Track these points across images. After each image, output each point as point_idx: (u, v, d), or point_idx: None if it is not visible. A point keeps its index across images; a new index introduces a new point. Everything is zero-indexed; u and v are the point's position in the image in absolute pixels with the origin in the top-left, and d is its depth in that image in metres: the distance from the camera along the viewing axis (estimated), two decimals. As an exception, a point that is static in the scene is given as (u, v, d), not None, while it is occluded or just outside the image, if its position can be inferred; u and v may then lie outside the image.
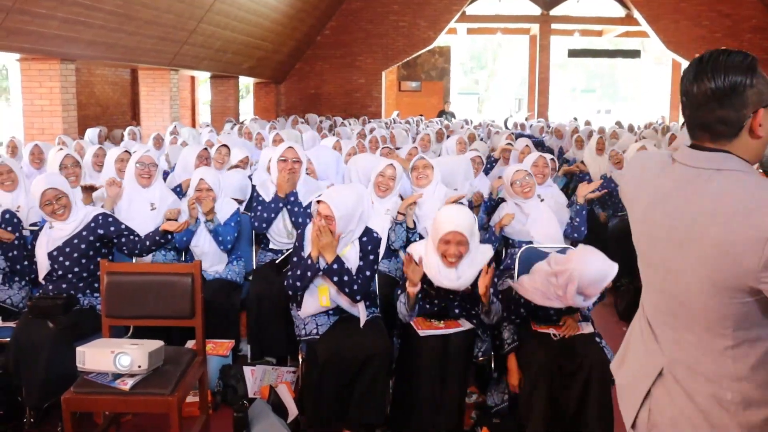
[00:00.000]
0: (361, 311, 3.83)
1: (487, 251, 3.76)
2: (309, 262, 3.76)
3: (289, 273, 3.89)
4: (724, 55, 1.70)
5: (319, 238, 3.68)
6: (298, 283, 3.79)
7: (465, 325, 3.83)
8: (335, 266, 3.71)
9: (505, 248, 5.00)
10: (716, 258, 1.65)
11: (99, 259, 4.01)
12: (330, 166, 6.16)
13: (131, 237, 4.20)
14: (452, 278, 3.62)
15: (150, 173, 4.98)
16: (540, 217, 4.85)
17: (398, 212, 4.73)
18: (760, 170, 2.24)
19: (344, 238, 3.80)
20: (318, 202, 3.82)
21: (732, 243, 1.62)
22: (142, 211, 4.91)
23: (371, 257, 3.88)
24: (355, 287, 3.74)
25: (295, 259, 3.93)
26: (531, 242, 4.59)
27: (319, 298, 3.84)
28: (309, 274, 3.76)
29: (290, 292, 3.88)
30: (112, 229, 4.15)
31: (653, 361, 1.88)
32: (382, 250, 4.15)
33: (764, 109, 1.71)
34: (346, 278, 3.73)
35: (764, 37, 18.55)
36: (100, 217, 4.17)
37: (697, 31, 18.66)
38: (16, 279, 4.30)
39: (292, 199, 4.91)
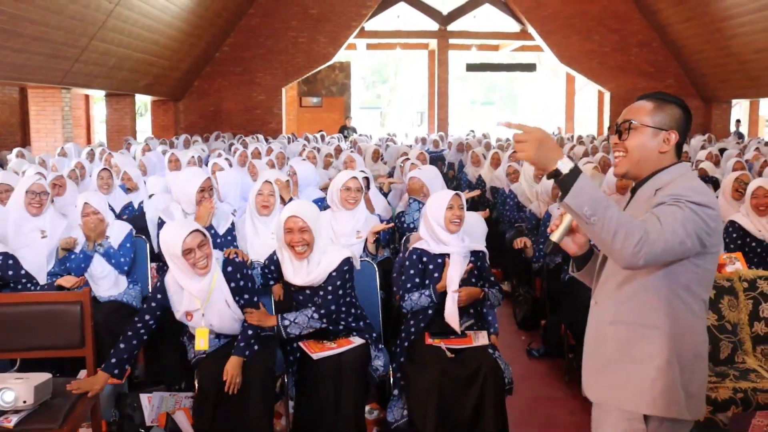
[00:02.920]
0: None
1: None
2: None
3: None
4: None
5: None
6: None
7: (356, 341, 3.87)
8: None
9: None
10: None
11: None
12: (233, 188, 5.95)
13: (28, 285, 4.02)
14: None
15: (41, 202, 4.76)
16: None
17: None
18: None
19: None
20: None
21: None
22: (33, 239, 4.67)
23: (242, 282, 3.86)
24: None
25: (145, 306, 3.85)
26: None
27: (196, 342, 3.74)
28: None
29: None
30: (10, 273, 3.97)
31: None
32: None
33: None
34: None
35: (649, 51, 19.47)
36: None
37: (587, 45, 19.40)
38: None
39: (212, 232, 4.79)
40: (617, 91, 19.60)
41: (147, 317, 3.71)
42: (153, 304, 3.73)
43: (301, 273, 3.83)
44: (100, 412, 3.65)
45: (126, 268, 4.72)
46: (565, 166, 2.05)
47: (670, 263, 2.16)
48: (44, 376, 3.19)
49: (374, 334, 4.01)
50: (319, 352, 3.75)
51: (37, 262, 4.47)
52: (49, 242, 4.71)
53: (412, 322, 3.97)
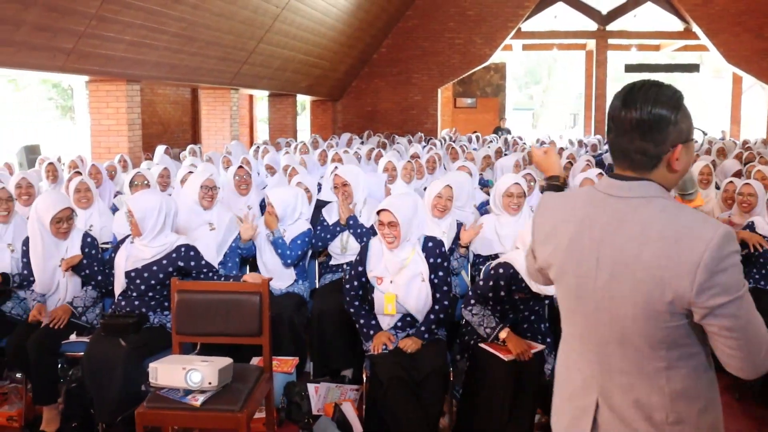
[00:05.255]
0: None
1: None
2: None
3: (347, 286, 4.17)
4: (656, 88, 1.73)
5: None
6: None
7: (537, 346, 3.84)
8: None
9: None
10: (649, 283, 1.68)
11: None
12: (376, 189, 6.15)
13: (210, 274, 4.23)
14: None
15: (213, 196, 5.06)
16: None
17: (461, 246, 4.75)
18: (676, 193, 2.07)
19: (406, 242, 4.01)
20: (379, 212, 4.03)
21: (664, 267, 1.65)
22: (203, 231, 4.94)
23: (439, 260, 4.05)
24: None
25: (352, 272, 4.19)
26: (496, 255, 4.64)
27: (385, 306, 4.00)
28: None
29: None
30: (192, 263, 4.18)
31: (587, 395, 1.87)
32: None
33: (682, 145, 1.74)
34: None
35: (829, 49, 18.12)
36: (182, 249, 4.18)
37: (758, 43, 18.28)
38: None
39: (351, 222, 5.09)
40: (791, 93, 18.40)
41: (355, 283, 4.14)
42: (359, 269, 4.13)
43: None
44: (273, 398, 3.84)
45: (289, 261, 4.89)
46: None
47: None
48: (226, 361, 3.38)
49: (548, 339, 3.99)
50: (509, 354, 3.71)
51: (209, 255, 4.65)
52: (217, 234, 4.97)
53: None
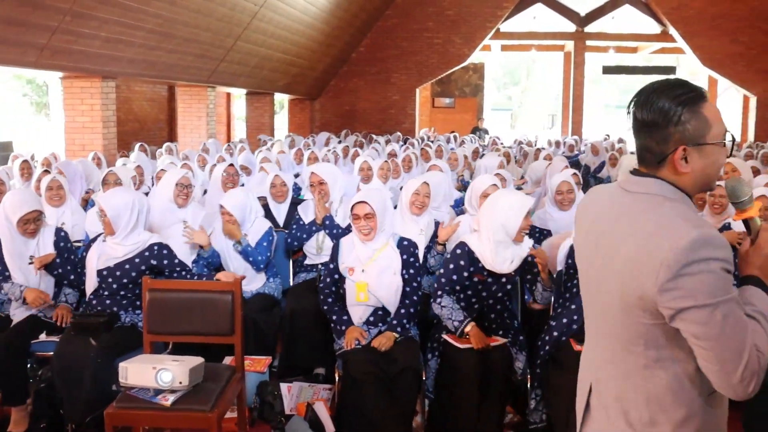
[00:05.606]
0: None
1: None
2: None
3: (321, 285, 4.19)
4: (664, 87, 1.71)
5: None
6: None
7: (498, 340, 3.87)
8: None
9: None
10: (625, 276, 1.69)
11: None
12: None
13: (183, 273, 4.20)
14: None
15: (188, 194, 5.03)
16: None
17: (438, 243, 4.71)
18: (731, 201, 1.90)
19: (381, 233, 4.09)
20: (354, 206, 4.09)
21: (637, 262, 1.65)
22: (177, 229, 4.87)
23: (411, 259, 4.11)
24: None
25: (326, 270, 4.24)
26: None
27: (357, 294, 4.04)
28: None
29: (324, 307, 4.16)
30: (165, 262, 4.15)
31: (586, 377, 1.95)
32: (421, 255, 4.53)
33: (690, 147, 1.70)
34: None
35: (803, 54, 18.33)
36: (155, 248, 4.14)
37: (733, 47, 18.47)
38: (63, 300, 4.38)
39: (327, 222, 5.07)
40: (765, 96, 18.57)
41: (328, 280, 4.17)
42: (331, 266, 4.19)
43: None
44: (245, 398, 3.81)
45: (261, 266, 4.84)
46: None
47: None
48: (197, 360, 3.35)
49: (520, 337, 4.01)
50: (466, 344, 3.76)
51: (182, 252, 4.63)
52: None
53: (555, 333, 3.83)
